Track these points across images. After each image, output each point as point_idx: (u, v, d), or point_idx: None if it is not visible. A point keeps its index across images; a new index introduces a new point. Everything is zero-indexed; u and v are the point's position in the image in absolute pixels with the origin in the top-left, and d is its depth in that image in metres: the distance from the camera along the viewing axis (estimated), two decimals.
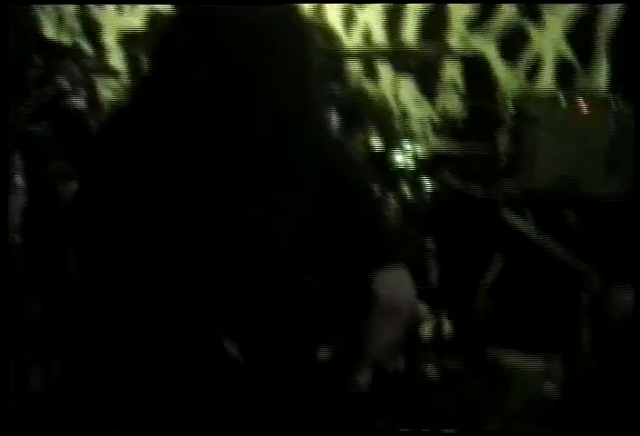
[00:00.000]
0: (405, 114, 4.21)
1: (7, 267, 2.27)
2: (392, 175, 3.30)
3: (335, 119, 3.30)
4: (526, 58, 4.12)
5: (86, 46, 4.65)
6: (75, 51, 3.51)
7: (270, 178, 1.56)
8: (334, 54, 3.79)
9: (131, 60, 4.32)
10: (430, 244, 3.36)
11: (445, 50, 4.10)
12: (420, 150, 3.33)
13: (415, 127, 4.23)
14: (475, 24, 4.17)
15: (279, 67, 1.54)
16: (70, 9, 4.65)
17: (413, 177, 3.25)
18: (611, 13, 3.90)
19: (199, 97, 1.53)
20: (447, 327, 3.38)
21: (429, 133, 4.14)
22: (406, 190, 3.24)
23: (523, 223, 3.22)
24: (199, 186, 1.55)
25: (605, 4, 3.90)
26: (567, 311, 3.05)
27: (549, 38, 4.07)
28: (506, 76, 4.10)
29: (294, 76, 1.56)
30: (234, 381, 1.58)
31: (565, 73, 4.08)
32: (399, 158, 3.28)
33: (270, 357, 1.62)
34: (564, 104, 3.42)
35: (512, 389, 3.13)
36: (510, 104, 3.51)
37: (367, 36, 4.30)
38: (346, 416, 1.72)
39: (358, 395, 1.72)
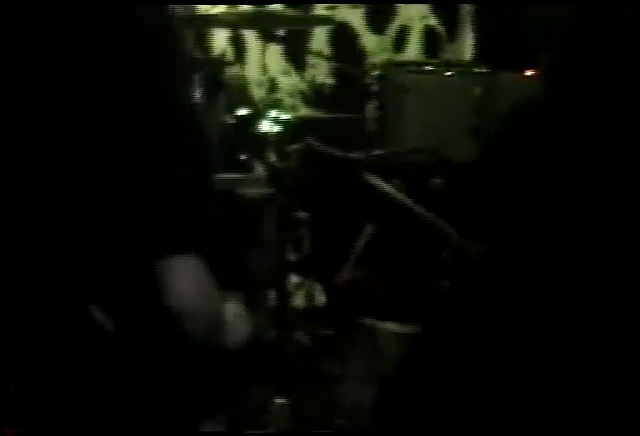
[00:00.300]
0: (271, 82, 4.18)
1: None
2: (257, 143, 3.26)
3: (196, 87, 3.24)
4: (393, 27, 4.14)
5: None
6: None
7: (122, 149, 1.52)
8: (197, 20, 3.72)
9: None
10: (299, 212, 3.35)
11: (312, 18, 4.08)
12: (287, 117, 3.30)
13: (283, 94, 4.20)
14: None
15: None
16: None
17: (280, 144, 3.21)
18: None
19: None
20: (319, 296, 3.39)
21: (297, 100, 4.12)
22: (273, 158, 3.21)
23: (390, 189, 3.25)
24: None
25: None
26: (438, 273, 3.10)
27: (416, 8, 4.10)
28: (373, 45, 4.11)
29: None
30: (103, 349, 1.54)
31: (431, 41, 4.12)
32: (265, 125, 3.23)
33: (139, 325, 1.58)
34: (430, 72, 3.46)
35: (386, 353, 3.16)
36: (377, 72, 3.52)
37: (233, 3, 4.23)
38: (220, 384, 1.70)
39: (231, 363, 1.70)
